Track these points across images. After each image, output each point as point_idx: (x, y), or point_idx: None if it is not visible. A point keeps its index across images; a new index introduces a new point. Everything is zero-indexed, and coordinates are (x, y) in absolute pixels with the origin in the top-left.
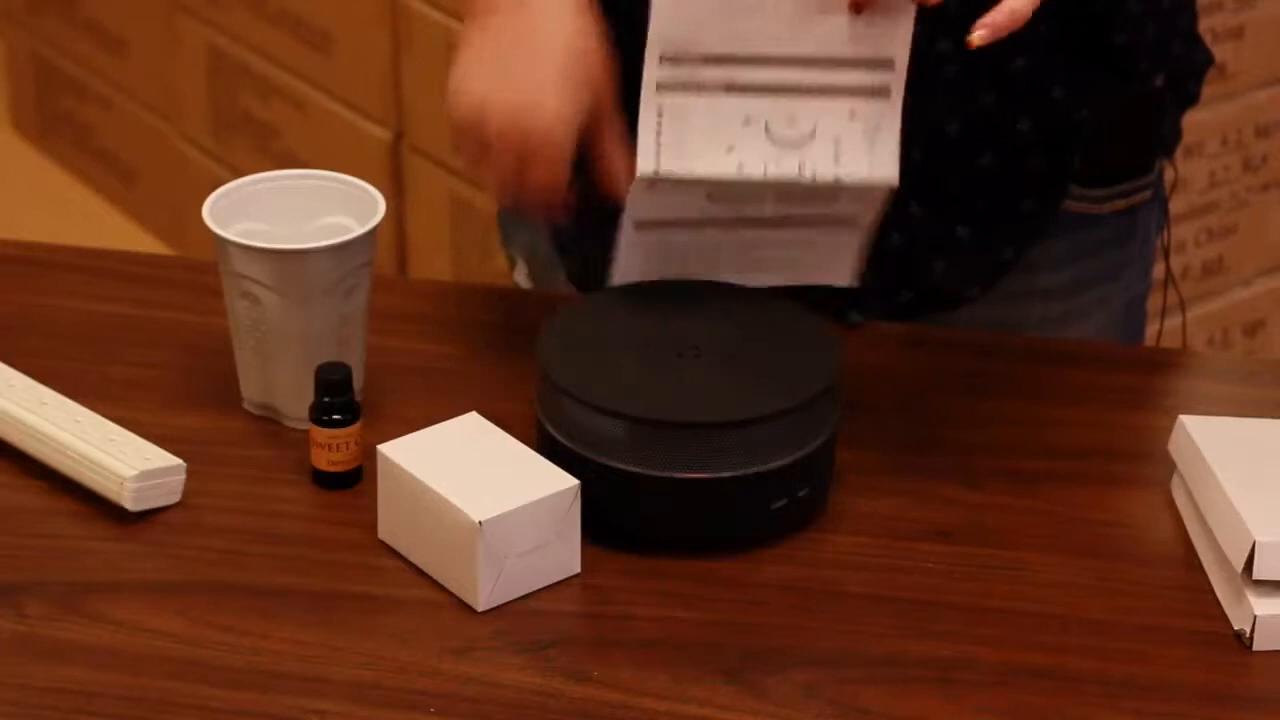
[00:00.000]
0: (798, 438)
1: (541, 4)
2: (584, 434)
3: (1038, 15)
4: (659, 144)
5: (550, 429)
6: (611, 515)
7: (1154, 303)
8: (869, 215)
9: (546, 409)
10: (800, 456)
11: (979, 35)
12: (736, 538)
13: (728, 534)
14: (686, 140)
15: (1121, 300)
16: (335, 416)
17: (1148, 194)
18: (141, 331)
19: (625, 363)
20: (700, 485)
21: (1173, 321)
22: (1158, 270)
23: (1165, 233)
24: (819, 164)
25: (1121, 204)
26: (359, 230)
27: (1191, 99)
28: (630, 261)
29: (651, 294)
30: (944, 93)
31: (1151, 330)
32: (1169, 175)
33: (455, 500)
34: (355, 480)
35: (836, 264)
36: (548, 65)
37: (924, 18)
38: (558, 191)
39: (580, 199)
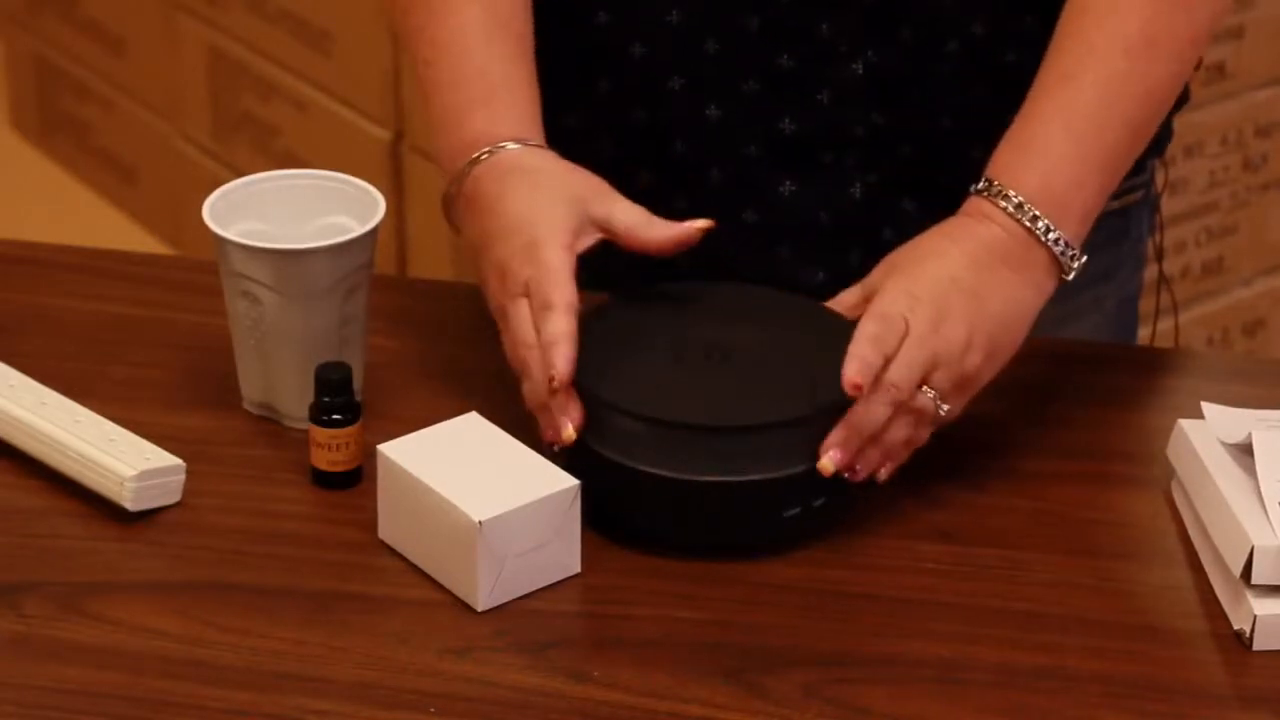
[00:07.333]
0: (813, 446)
1: (500, 174)
2: (586, 432)
3: (1028, 9)
4: None
5: None
6: (623, 515)
7: (1148, 305)
8: None
9: None
10: (813, 465)
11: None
12: (749, 544)
13: (739, 540)
14: None
15: (1114, 300)
16: (335, 416)
17: (1139, 194)
18: (141, 331)
19: (638, 363)
20: (710, 489)
21: (1166, 324)
22: (1150, 271)
23: (1158, 235)
24: None
25: (1114, 204)
26: (359, 230)
27: (1182, 99)
28: None
29: (665, 295)
30: (937, 88)
31: (1145, 333)
32: (1160, 176)
33: (455, 500)
34: (355, 480)
35: None
36: (522, 208)
37: (921, 16)
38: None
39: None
